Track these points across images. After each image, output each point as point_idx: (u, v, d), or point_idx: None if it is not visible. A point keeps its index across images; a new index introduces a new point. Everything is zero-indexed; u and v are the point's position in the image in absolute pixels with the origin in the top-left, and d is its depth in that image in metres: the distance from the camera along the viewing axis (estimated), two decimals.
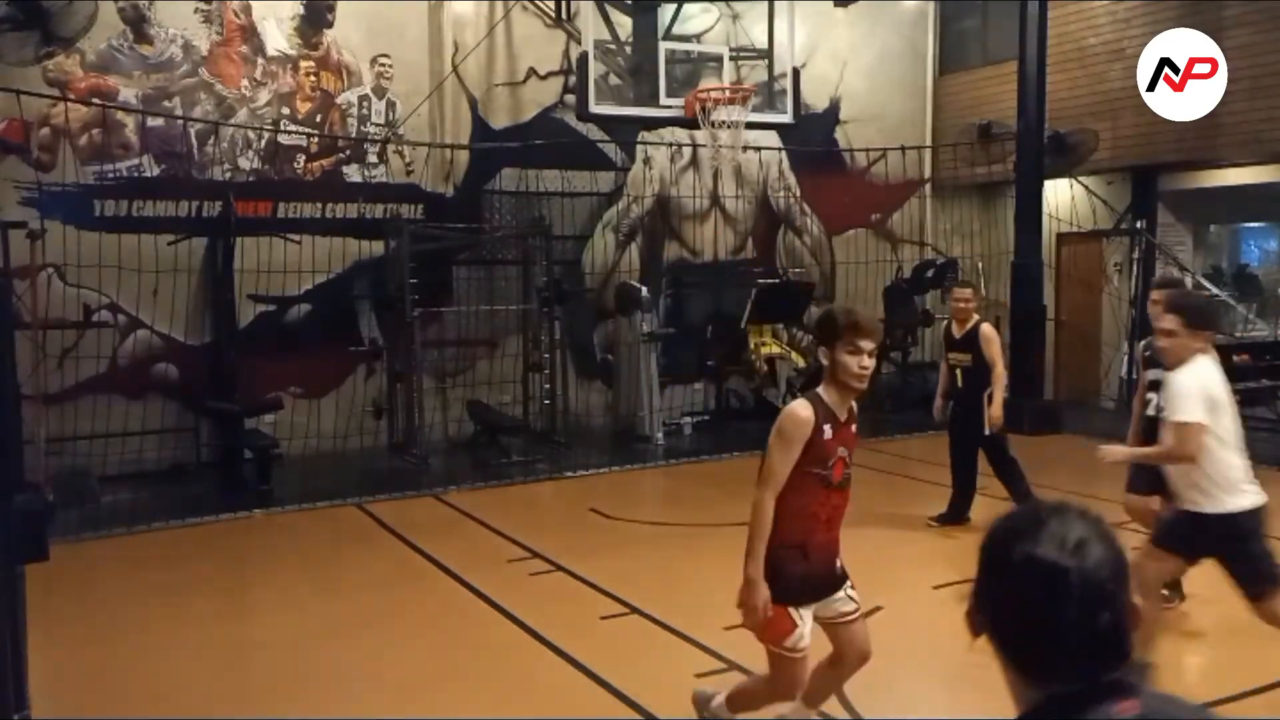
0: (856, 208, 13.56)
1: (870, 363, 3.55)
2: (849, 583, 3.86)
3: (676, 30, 11.78)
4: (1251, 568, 4.29)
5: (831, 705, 4.62)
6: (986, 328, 7.21)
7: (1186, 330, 4.30)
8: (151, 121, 9.93)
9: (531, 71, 11.74)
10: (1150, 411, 5.32)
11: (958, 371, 7.29)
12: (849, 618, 3.86)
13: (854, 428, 3.73)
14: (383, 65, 11.02)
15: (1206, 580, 5.05)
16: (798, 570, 3.66)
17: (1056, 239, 12.92)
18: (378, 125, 11.06)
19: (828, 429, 3.58)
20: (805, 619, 3.70)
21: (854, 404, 3.71)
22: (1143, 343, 5.85)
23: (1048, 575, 1.28)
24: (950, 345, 7.37)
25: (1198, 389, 4.26)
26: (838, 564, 3.82)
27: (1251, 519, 4.29)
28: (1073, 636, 1.27)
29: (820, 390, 3.66)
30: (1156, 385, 5.07)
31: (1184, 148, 11.09)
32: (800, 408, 3.60)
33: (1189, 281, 12.47)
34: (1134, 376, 11.75)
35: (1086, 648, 1.28)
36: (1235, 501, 4.29)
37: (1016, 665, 1.33)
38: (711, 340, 12.30)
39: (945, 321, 7.75)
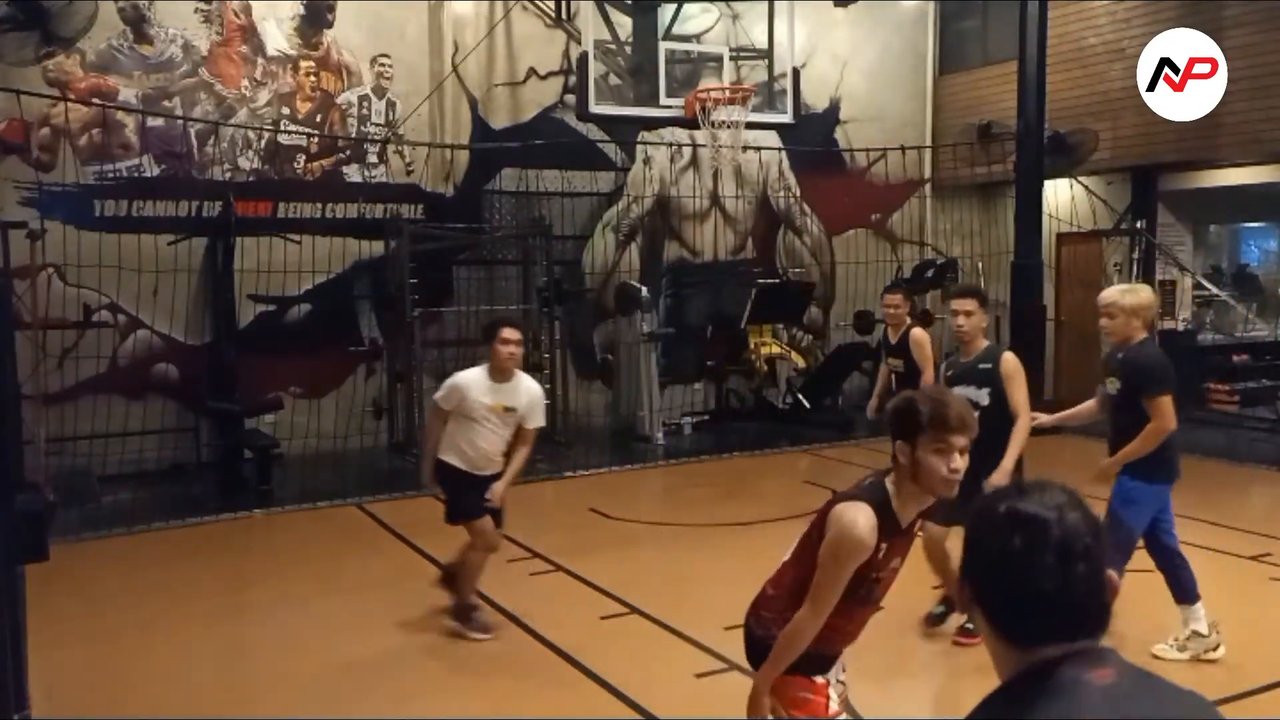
0: (856, 208, 13.56)
1: (962, 463, 2.74)
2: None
3: (676, 30, 11.78)
4: None
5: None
6: (916, 332, 7.28)
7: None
8: (151, 121, 9.93)
9: (531, 71, 11.74)
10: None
11: (894, 375, 7.37)
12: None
13: (916, 531, 2.98)
14: (383, 65, 11.02)
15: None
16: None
17: (1056, 239, 12.92)
18: (378, 125, 11.06)
19: (885, 546, 2.84)
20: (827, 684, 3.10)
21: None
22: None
23: (1027, 523, 1.35)
24: (886, 350, 7.47)
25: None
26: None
27: None
28: (1050, 584, 1.31)
29: (889, 485, 2.83)
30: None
31: (1184, 148, 11.09)
32: (863, 522, 2.77)
33: (1188, 281, 12.51)
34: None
35: (1064, 602, 1.32)
36: None
37: (998, 627, 1.37)
38: (711, 340, 12.29)
39: (883, 326, 7.77)
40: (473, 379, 5.47)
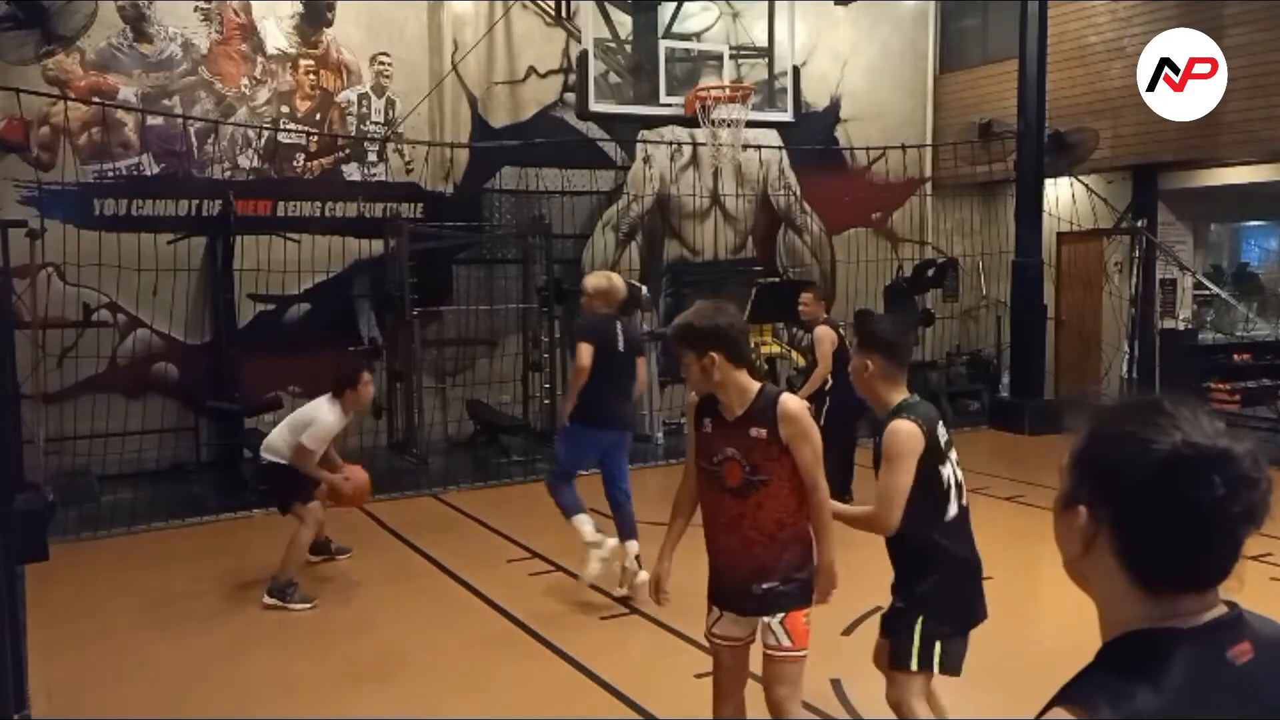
0: (857, 207, 13.56)
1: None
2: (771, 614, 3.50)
3: (676, 28, 11.76)
4: None
5: (831, 705, 4.62)
6: (819, 330, 7.52)
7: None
8: (151, 120, 9.92)
9: (531, 70, 11.73)
10: None
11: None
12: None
13: (754, 430, 3.31)
14: (382, 64, 11.01)
15: None
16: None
17: (1057, 238, 12.91)
18: (377, 124, 11.05)
19: (708, 422, 3.43)
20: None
21: (757, 401, 3.32)
22: None
23: (1225, 463, 1.13)
24: (806, 346, 7.82)
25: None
26: (757, 585, 3.50)
27: None
28: (1235, 530, 1.14)
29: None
30: None
31: (1184, 147, 11.09)
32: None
33: (1189, 280, 12.50)
34: (1134, 375, 11.81)
35: (1229, 548, 1.15)
36: None
37: (1143, 570, 1.17)
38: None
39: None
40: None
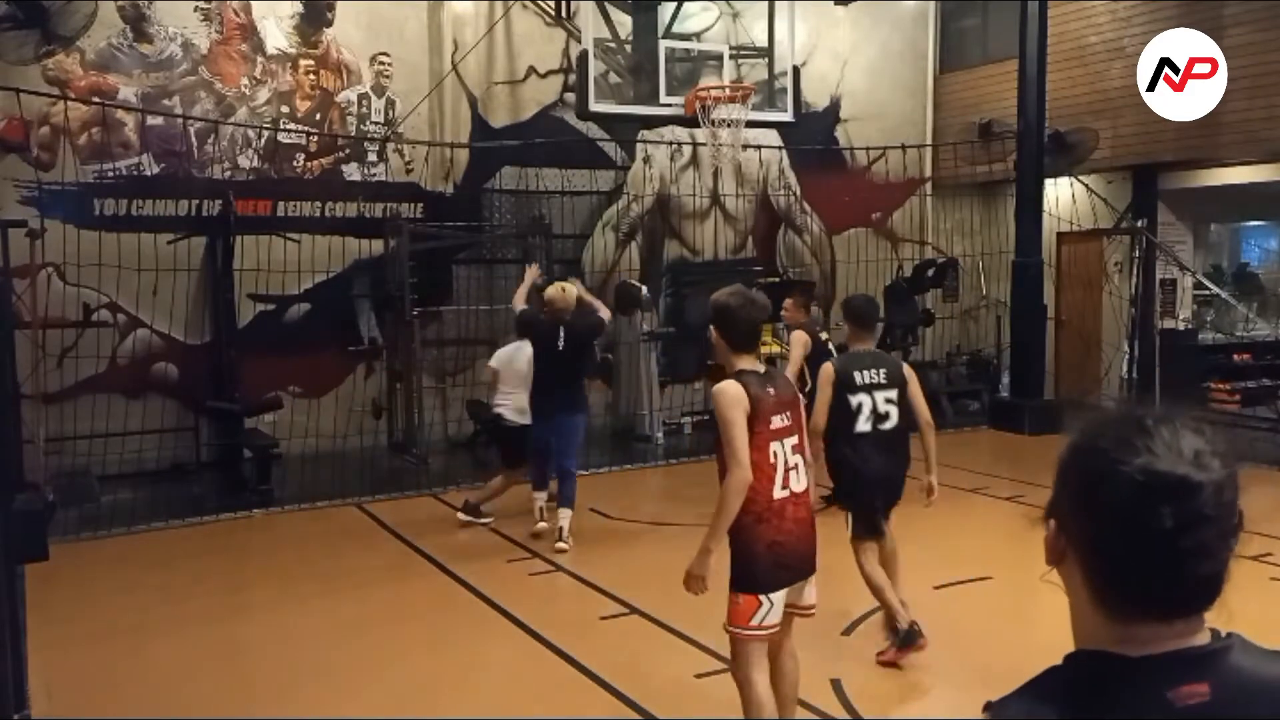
0: (857, 206, 13.55)
1: None
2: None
3: (676, 28, 11.75)
4: None
5: (832, 705, 4.62)
6: (794, 334, 7.65)
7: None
8: (151, 120, 9.92)
9: (531, 70, 11.73)
10: None
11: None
12: None
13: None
14: (382, 64, 11.01)
15: None
16: None
17: (1057, 238, 12.91)
18: (377, 124, 11.05)
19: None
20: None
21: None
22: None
23: (1174, 491, 1.09)
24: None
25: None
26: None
27: None
28: (1192, 561, 1.10)
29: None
30: None
31: (1184, 147, 11.08)
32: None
33: (1189, 280, 12.50)
34: (1134, 375, 11.82)
35: (1189, 577, 1.11)
36: None
37: (1096, 592, 1.15)
38: (712, 340, 12.26)
39: None
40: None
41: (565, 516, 7.21)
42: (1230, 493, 1.12)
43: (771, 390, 3.70)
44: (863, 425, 5.08)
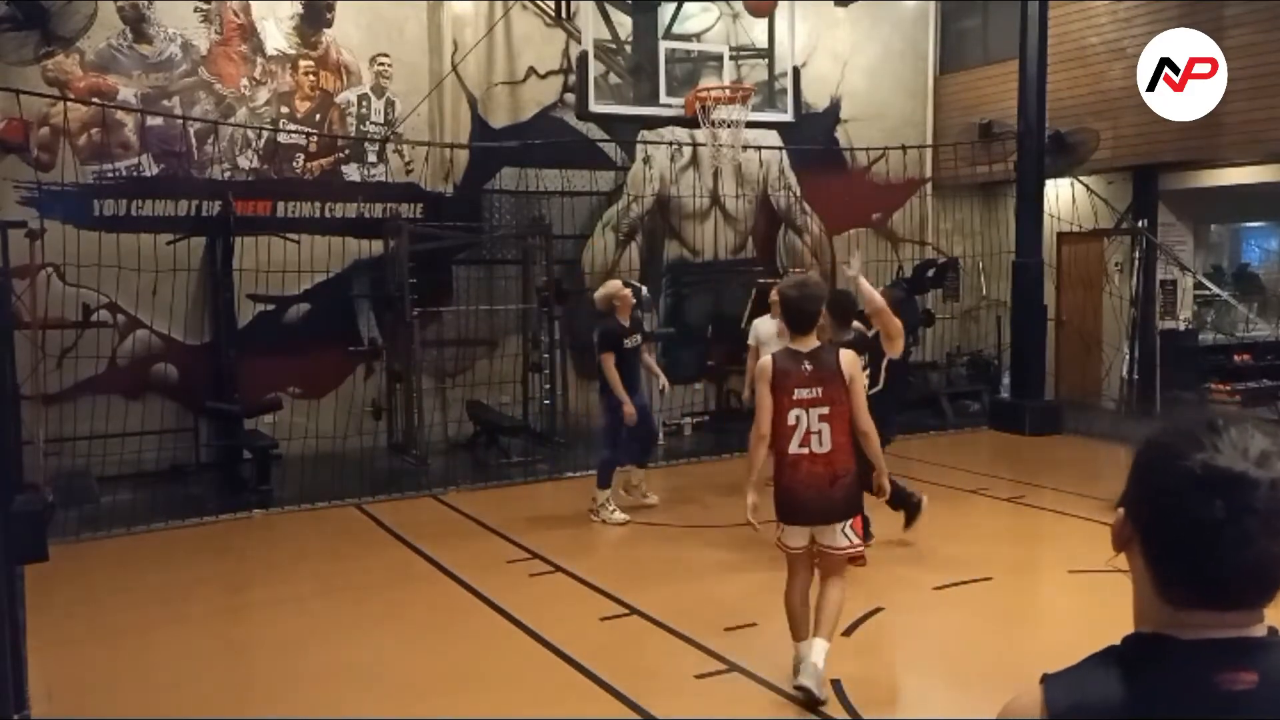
0: (857, 207, 13.55)
1: None
2: None
3: (676, 29, 11.75)
4: None
5: (831, 705, 4.62)
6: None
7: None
8: (151, 121, 9.92)
9: (531, 70, 11.72)
10: None
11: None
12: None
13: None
14: (382, 64, 11.01)
15: None
16: None
17: (1057, 238, 12.90)
18: (377, 124, 11.05)
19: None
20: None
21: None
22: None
23: (1231, 487, 1.14)
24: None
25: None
26: None
27: None
28: (1247, 555, 1.14)
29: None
30: None
31: (1185, 147, 11.08)
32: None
33: (1189, 280, 12.50)
34: (1135, 376, 11.81)
35: (1249, 573, 1.15)
36: None
37: (1159, 577, 1.21)
38: (711, 340, 12.28)
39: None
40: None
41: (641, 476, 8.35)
42: None
43: (807, 366, 4.48)
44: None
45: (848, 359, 4.58)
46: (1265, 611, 1.19)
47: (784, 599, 4.70)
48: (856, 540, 4.60)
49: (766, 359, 4.62)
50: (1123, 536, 1.26)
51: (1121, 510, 1.26)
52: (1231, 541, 1.13)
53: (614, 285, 8.23)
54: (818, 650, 4.52)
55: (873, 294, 6.33)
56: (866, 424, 4.56)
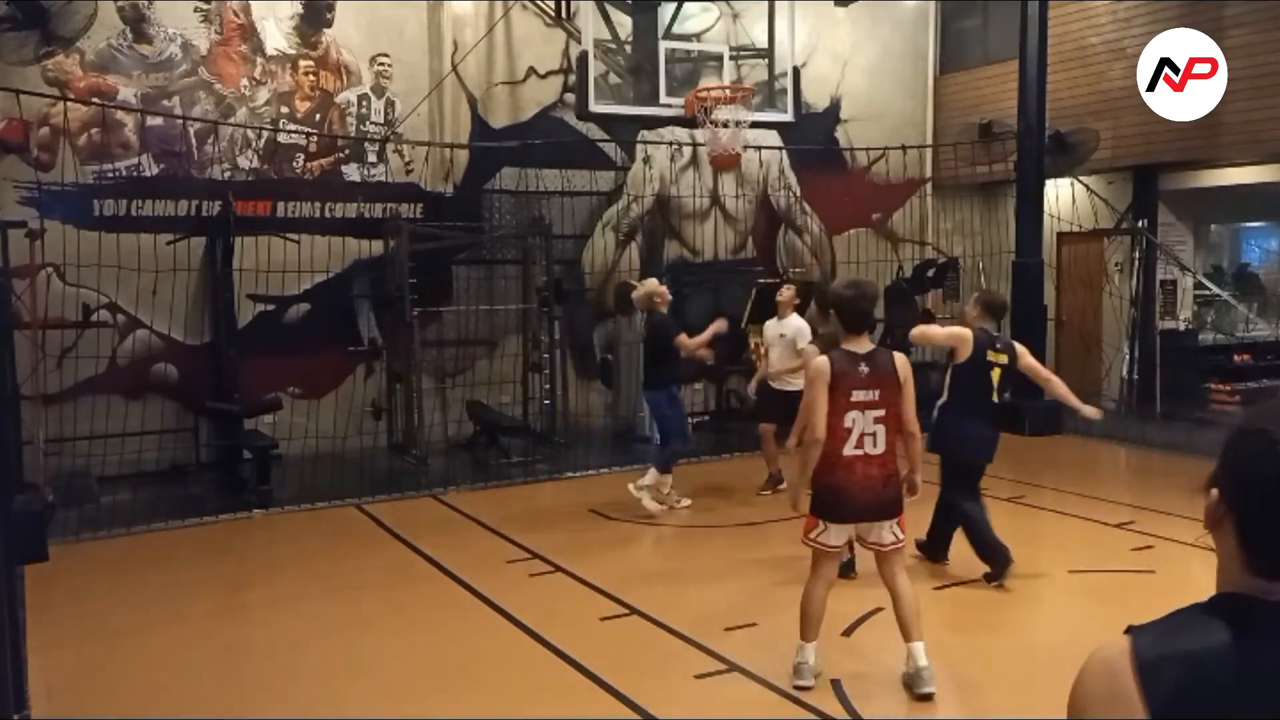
0: (857, 207, 13.55)
1: None
2: None
3: (676, 29, 11.76)
4: None
5: (831, 705, 4.62)
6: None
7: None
8: (151, 121, 9.92)
9: (531, 70, 11.72)
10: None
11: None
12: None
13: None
14: (382, 64, 11.01)
15: None
16: None
17: (1057, 238, 12.91)
18: (377, 124, 11.05)
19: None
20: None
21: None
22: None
23: None
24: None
25: None
26: None
27: None
28: None
29: None
30: None
31: (1184, 147, 11.08)
32: None
33: (1189, 280, 12.50)
34: (1135, 376, 11.81)
35: None
36: None
37: (1249, 552, 1.28)
38: (712, 340, 12.24)
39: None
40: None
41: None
42: None
43: (864, 368, 4.47)
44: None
45: (902, 362, 4.58)
46: None
47: (803, 597, 4.70)
48: (901, 535, 4.65)
49: (824, 359, 4.58)
50: (1216, 516, 1.31)
51: (1215, 491, 1.31)
52: None
53: (653, 284, 8.55)
54: (920, 653, 4.61)
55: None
56: (915, 426, 4.61)
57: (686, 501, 8.36)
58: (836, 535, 4.64)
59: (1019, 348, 6.44)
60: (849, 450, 4.47)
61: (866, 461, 4.49)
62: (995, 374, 6.29)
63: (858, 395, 4.45)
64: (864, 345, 4.54)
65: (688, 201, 12.57)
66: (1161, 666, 1.22)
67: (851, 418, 4.45)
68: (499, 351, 11.45)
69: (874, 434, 4.47)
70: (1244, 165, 11.53)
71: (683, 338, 8.22)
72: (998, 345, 6.36)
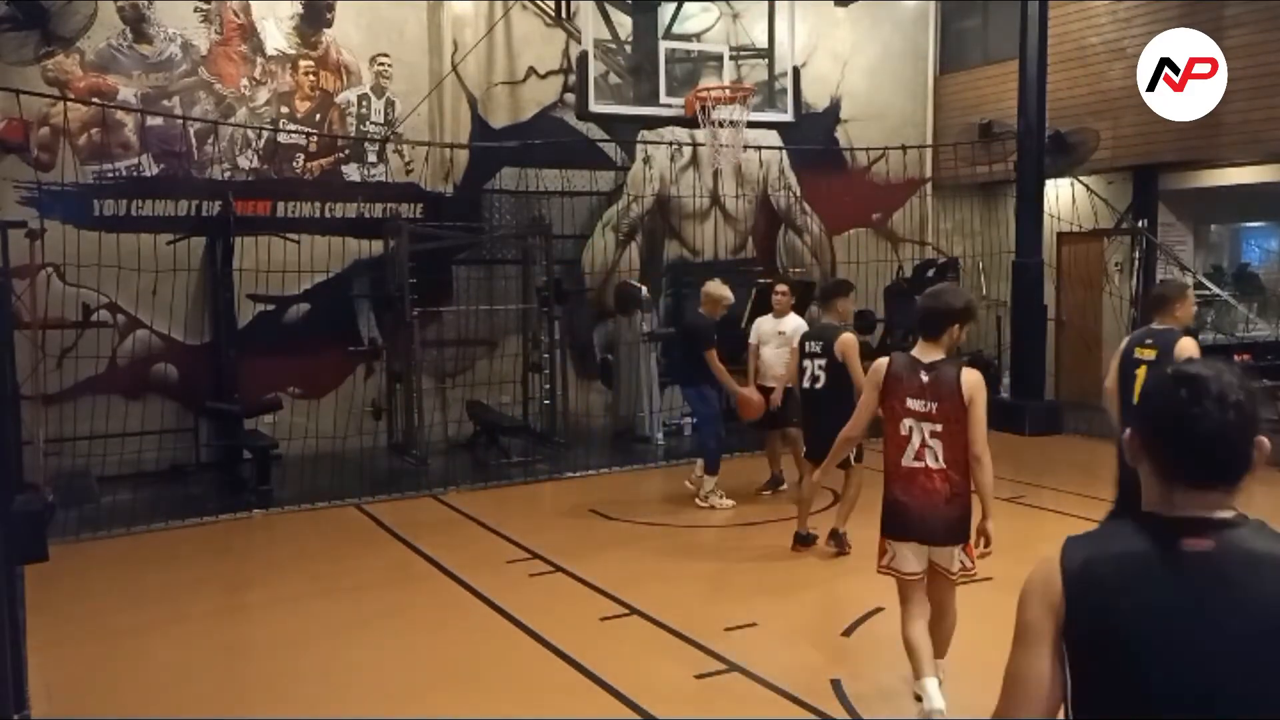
0: (857, 207, 13.55)
1: None
2: None
3: (676, 29, 11.75)
4: None
5: (831, 705, 4.62)
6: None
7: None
8: (151, 121, 9.92)
9: (531, 70, 11.72)
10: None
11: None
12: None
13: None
14: (382, 64, 11.01)
15: None
16: None
17: (1057, 238, 12.90)
18: (377, 124, 11.05)
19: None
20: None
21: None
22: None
23: (1191, 380, 1.59)
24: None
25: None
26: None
27: None
28: (1205, 426, 1.55)
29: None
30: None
31: (1184, 147, 11.08)
32: None
33: (1190, 281, 12.49)
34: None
35: (1214, 444, 1.55)
36: None
37: (1156, 465, 1.62)
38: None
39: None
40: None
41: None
42: (1241, 395, 1.57)
43: (923, 376, 4.20)
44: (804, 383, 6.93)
45: (969, 380, 4.20)
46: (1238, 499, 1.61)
47: (901, 634, 4.37)
48: (970, 565, 4.34)
49: (882, 361, 4.37)
50: (1133, 448, 1.65)
51: (1129, 429, 1.66)
52: (1195, 418, 1.56)
53: (723, 290, 8.50)
54: (932, 683, 4.31)
55: None
56: (981, 448, 4.21)
57: (730, 502, 8.36)
58: (907, 561, 4.30)
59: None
60: (908, 461, 4.23)
61: (927, 475, 4.21)
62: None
63: (913, 403, 4.20)
64: (932, 354, 4.23)
65: (688, 201, 12.57)
66: (1078, 560, 1.63)
67: (908, 425, 4.22)
68: (499, 351, 11.45)
69: (933, 448, 4.19)
70: (1244, 165, 11.53)
71: (714, 357, 8.13)
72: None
